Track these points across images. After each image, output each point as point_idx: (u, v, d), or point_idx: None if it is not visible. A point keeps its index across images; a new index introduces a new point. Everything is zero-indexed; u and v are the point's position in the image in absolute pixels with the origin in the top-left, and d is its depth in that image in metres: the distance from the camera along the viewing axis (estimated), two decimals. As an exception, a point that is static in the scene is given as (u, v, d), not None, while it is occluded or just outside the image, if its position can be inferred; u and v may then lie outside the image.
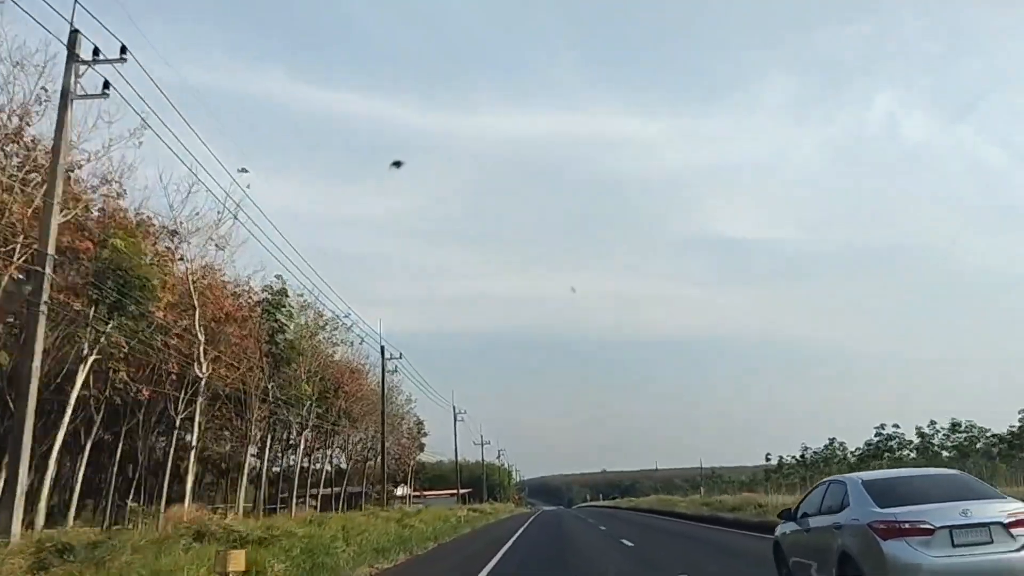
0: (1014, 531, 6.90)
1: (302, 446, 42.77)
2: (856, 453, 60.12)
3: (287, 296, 32.56)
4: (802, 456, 62.33)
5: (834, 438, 63.33)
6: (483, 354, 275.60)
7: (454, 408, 68.50)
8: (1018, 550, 6.82)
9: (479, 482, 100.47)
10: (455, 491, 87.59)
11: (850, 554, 7.49)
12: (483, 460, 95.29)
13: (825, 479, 9.40)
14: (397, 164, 30.67)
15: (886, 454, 54.59)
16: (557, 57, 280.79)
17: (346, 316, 38.07)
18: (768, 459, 70.05)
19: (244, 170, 22.21)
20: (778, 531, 10.07)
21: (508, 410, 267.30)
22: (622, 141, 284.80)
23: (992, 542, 6.86)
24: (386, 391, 47.68)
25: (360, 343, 41.62)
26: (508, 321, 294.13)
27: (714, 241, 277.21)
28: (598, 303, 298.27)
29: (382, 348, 39.47)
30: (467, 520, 36.89)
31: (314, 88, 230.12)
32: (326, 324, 38.43)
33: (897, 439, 55.04)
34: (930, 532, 6.87)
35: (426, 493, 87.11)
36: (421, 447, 74.09)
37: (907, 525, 6.96)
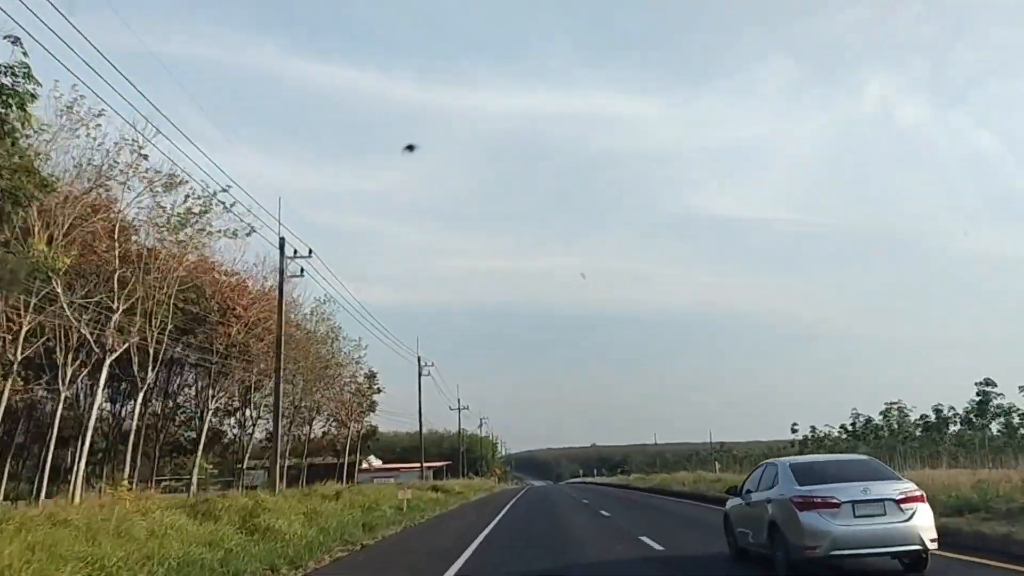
0: (904, 506, 8.74)
1: (139, 397, 28.27)
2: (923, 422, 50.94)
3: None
4: (852, 425, 53.93)
5: (894, 403, 53.54)
6: (473, 330, 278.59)
7: (419, 360, 53.91)
8: (905, 521, 8.66)
9: (477, 455, 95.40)
10: (429, 464, 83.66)
11: (776, 523, 9.34)
12: (460, 428, 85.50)
13: (763, 462, 11.27)
14: (410, 148, 30.77)
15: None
16: (553, 36, 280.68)
17: (224, 191, 23.93)
18: (795, 430, 61.85)
19: None
20: (727, 505, 11.97)
21: (497, 384, 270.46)
22: (617, 121, 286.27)
23: (885, 514, 8.68)
24: (320, 328, 40.46)
25: (247, 235, 26.40)
26: (499, 297, 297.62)
27: (708, 220, 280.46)
28: (591, 280, 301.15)
29: (281, 242, 24.69)
30: (413, 508, 26.30)
31: (307, 63, 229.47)
32: (201, 209, 25.06)
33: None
34: (837, 506, 8.69)
35: (399, 466, 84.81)
36: (371, 407, 59.35)
37: (819, 500, 8.80)
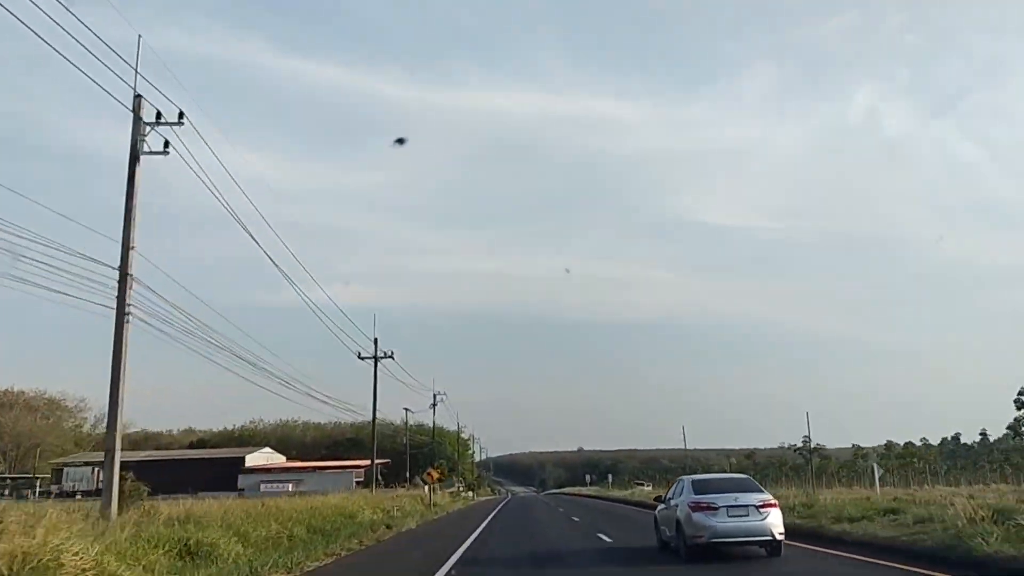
0: (761, 510, 13.68)
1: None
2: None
3: None
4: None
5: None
6: (455, 331, 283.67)
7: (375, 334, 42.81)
8: (761, 520, 13.56)
9: (429, 451, 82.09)
10: (374, 462, 61.33)
11: (680, 520, 14.28)
12: (406, 421, 72.65)
13: (680, 477, 16.42)
14: (400, 141, 33.31)
15: None
16: (540, 37, 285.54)
17: None
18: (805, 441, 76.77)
19: None
20: (656, 510, 17.01)
21: (477, 386, 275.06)
22: (603, 124, 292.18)
23: (748, 515, 13.63)
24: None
25: None
26: (482, 299, 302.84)
27: (692, 225, 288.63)
28: (575, 283, 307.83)
29: (136, 102, 17.07)
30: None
31: (294, 58, 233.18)
32: None
33: None
34: (716, 509, 13.64)
35: (326, 465, 74.02)
36: None
37: (705, 504, 13.75)
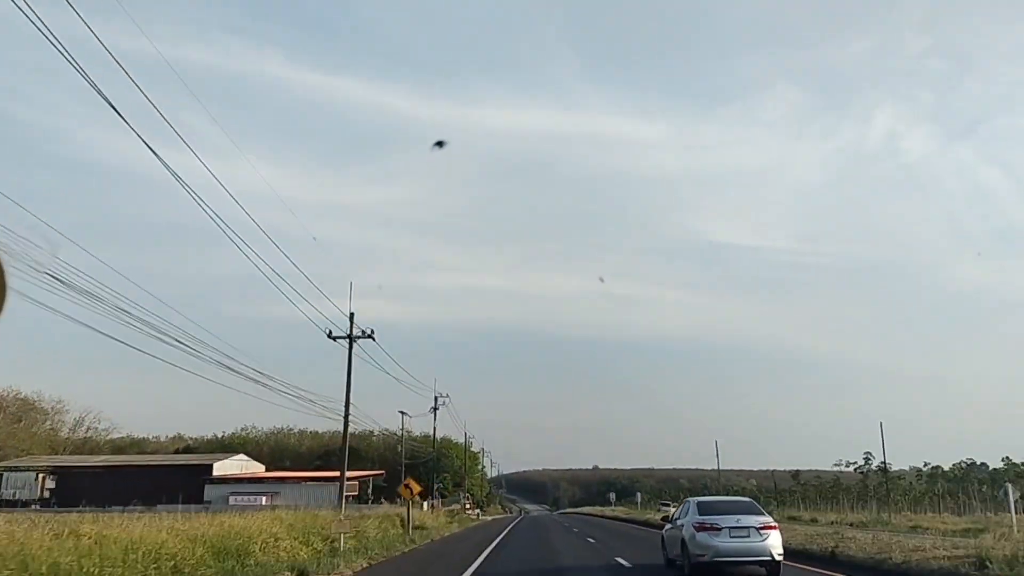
0: (762, 531, 14.77)
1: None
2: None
3: None
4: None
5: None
6: (469, 348, 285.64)
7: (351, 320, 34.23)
8: (762, 541, 14.64)
9: (433, 464, 75.86)
10: (362, 474, 67.35)
11: (684, 540, 15.40)
12: (402, 426, 65.41)
13: (687, 499, 17.51)
14: (440, 144, 33.41)
15: None
16: (556, 54, 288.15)
17: None
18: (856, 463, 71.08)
19: None
20: (663, 529, 18.14)
21: (491, 403, 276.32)
22: (618, 142, 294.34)
23: (750, 536, 14.72)
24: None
25: None
26: (495, 317, 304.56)
27: (706, 246, 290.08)
28: (592, 302, 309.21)
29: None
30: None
31: (309, 72, 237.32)
32: None
33: None
34: (719, 529, 14.75)
35: (306, 476, 66.83)
36: None
37: (709, 525, 14.86)
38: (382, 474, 73.01)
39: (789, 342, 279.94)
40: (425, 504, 51.75)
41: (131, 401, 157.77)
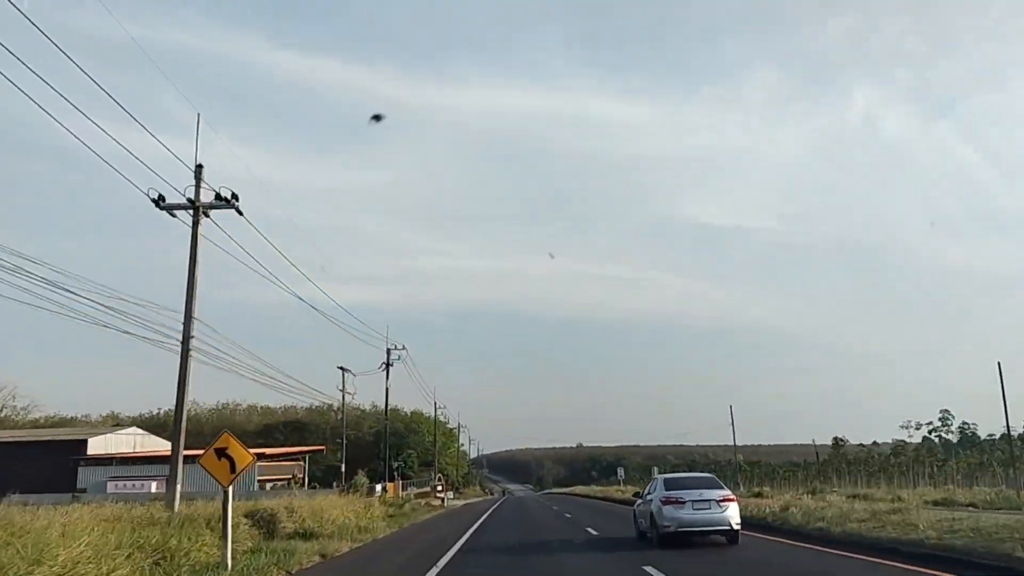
0: (722, 504, 16.61)
1: None
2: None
3: None
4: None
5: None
6: (451, 329, 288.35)
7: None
8: (722, 512, 16.50)
9: (385, 437, 59.05)
10: (286, 451, 57.62)
11: (653, 513, 17.23)
12: (343, 388, 46.85)
13: (655, 476, 19.43)
14: (377, 118, 33.90)
15: None
16: (540, 35, 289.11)
17: None
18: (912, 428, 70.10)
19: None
20: (635, 505, 20.05)
21: (474, 384, 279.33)
22: (603, 123, 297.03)
23: (711, 509, 16.57)
24: None
25: None
26: (478, 298, 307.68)
27: (691, 227, 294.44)
28: (575, 282, 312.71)
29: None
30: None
31: (292, 54, 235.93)
32: None
33: None
34: (683, 503, 16.57)
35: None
36: None
37: (674, 499, 16.70)
38: (320, 450, 62.29)
39: (769, 320, 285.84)
40: (378, 488, 44.80)
41: (66, 379, 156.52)
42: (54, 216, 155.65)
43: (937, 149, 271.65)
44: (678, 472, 23.38)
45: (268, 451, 56.26)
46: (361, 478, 46.61)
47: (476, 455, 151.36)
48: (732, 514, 16.66)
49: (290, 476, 55.18)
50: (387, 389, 52.36)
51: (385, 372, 50.20)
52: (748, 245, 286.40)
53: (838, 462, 72.68)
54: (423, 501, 48.88)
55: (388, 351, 50.58)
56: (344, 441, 49.97)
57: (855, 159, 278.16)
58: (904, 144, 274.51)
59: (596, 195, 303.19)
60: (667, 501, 16.82)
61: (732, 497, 17.06)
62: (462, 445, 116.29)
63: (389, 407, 59.62)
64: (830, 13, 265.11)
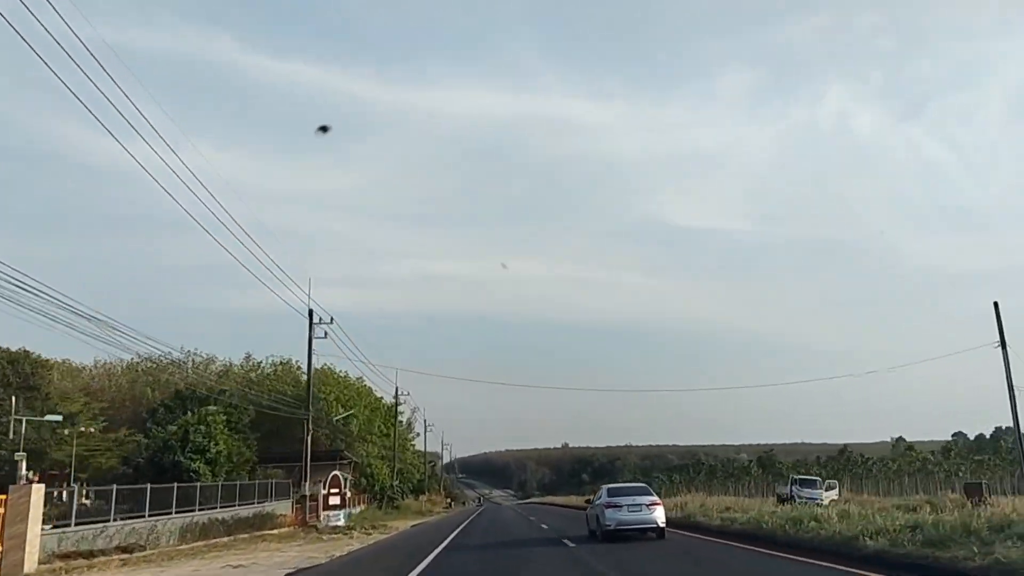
0: (651, 507, 22.42)
1: None
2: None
3: None
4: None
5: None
6: (428, 334, 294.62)
7: None
8: (651, 514, 22.36)
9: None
10: None
11: (598, 515, 23.20)
12: None
13: (602, 486, 25.61)
14: (324, 129, 38.00)
15: None
16: (515, 38, 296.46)
17: None
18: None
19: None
20: (587, 508, 26.21)
21: (452, 387, 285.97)
22: (578, 125, 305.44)
23: (641, 511, 22.47)
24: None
25: None
26: (456, 302, 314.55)
27: (667, 228, 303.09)
28: (549, 286, 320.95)
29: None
30: None
31: (265, 58, 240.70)
32: None
33: None
34: (620, 507, 22.46)
35: None
36: None
37: (613, 504, 22.68)
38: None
39: (744, 324, 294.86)
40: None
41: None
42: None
43: (908, 146, 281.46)
44: (623, 483, 29.24)
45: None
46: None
47: (448, 460, 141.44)
48: (659, 515, 22.68)
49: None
50: (309, 354, 41.08)
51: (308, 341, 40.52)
52: (721, 247, 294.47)
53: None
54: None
55: (311, 314, 40.36)
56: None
57: (827, 158, 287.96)
58: (876, 143, 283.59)
59: (571, 197, 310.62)
60: (608, 505, 22.82)
61: (659, 502, 23.10)
62: (415, 436, 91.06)
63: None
64: (802, 12, 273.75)
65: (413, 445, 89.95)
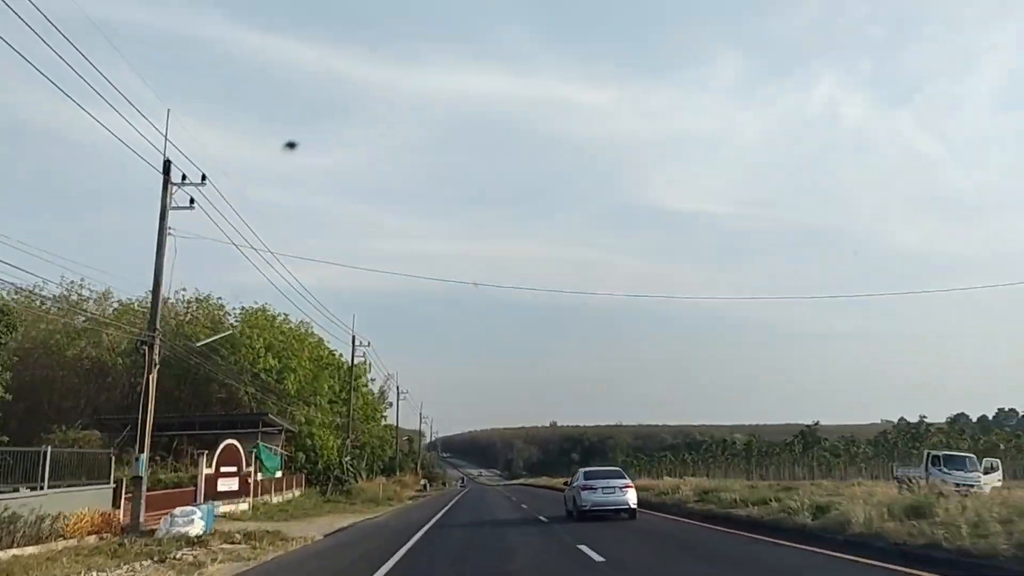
0: (622, 489, 24.59)
1: None
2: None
3: None
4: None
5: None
6: (417, 312, 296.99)
7: None
8: (624, 496, 24.54)
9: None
10: None
11: (575, 496, 25.36)
12: None
13: (579, 469, 27.94)
14: (291, 145, 39.45)
15: None
16: (509, 19, 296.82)
17: None
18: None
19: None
20: (565, 490, 28.55)
21: (439, 366, 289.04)
22: (570, 108, 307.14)
23: (615, 493, 24.63)
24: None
25: None
26: (442, 280, 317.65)
27: (656, 211, 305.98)
28: (540, 265, 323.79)
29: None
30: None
31: (256, 34, 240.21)
32: None
33: None
34: (595, 489, 24.64)
35: None
36: None
37: (589, 486, 24.90)
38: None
39: (725, 305, 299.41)
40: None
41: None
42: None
43: (896, 136, 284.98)
44: (597, 467, 31.18)
45: None
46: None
47: (429, 436, 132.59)
48: (631, 496, 24.95)
49: None
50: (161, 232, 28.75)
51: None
52: (712, 230, 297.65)
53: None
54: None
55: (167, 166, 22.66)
56: None
57: (816, 145, 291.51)
58: (864, 130, 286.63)
59: (564, 180, 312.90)
60: (584, 487, 25.07)
61: (631, 484, 25.38)
62: (387, 407, 77.79)
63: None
64: (795, 2, 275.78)
65: (384, 418, 76.13)
